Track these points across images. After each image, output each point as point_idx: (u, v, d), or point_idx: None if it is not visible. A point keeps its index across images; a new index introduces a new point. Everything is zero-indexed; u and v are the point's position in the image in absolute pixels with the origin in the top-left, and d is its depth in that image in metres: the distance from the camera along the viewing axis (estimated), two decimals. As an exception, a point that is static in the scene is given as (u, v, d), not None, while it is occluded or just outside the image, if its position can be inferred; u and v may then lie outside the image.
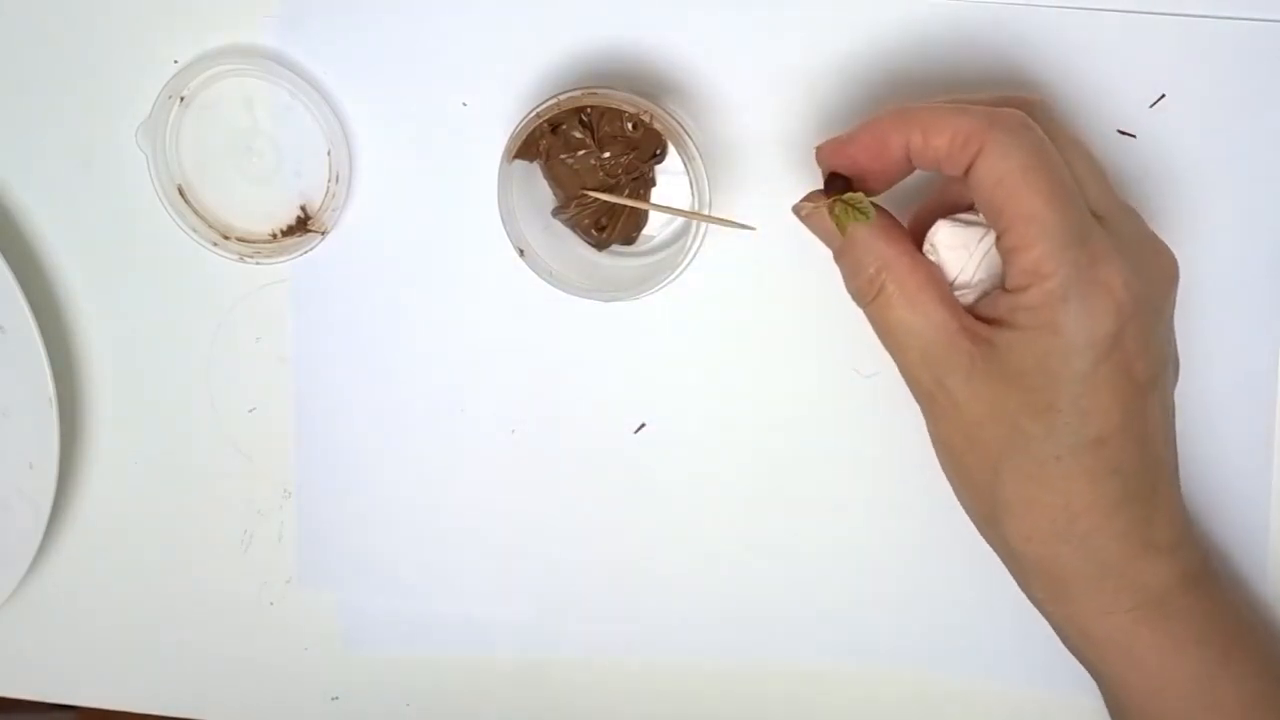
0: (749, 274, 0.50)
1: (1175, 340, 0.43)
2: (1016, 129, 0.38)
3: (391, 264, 0.52)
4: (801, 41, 0.48)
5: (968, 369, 0.40)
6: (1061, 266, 0.37)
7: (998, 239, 0.39)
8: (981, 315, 0.41)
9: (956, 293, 0.41)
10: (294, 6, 0.50)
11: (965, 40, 0.47)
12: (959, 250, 0.41)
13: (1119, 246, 0.39)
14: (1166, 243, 0.42)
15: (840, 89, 0.48)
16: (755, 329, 0.51)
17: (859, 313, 0.50)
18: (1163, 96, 0.47)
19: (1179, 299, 0.44)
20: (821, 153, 0.43)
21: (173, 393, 0.54)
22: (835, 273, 0.50)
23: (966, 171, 0.39)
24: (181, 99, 0.49)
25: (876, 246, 0.41)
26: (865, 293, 0.42)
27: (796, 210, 0.44)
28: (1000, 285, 0.40)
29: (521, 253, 0.47)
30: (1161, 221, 0.48)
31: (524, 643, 0.54)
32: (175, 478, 0.55)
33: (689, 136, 0.45)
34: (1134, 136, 0.47)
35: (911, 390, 0.42)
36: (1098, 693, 0.46)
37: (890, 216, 0.43)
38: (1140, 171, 0.48)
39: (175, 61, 0.50)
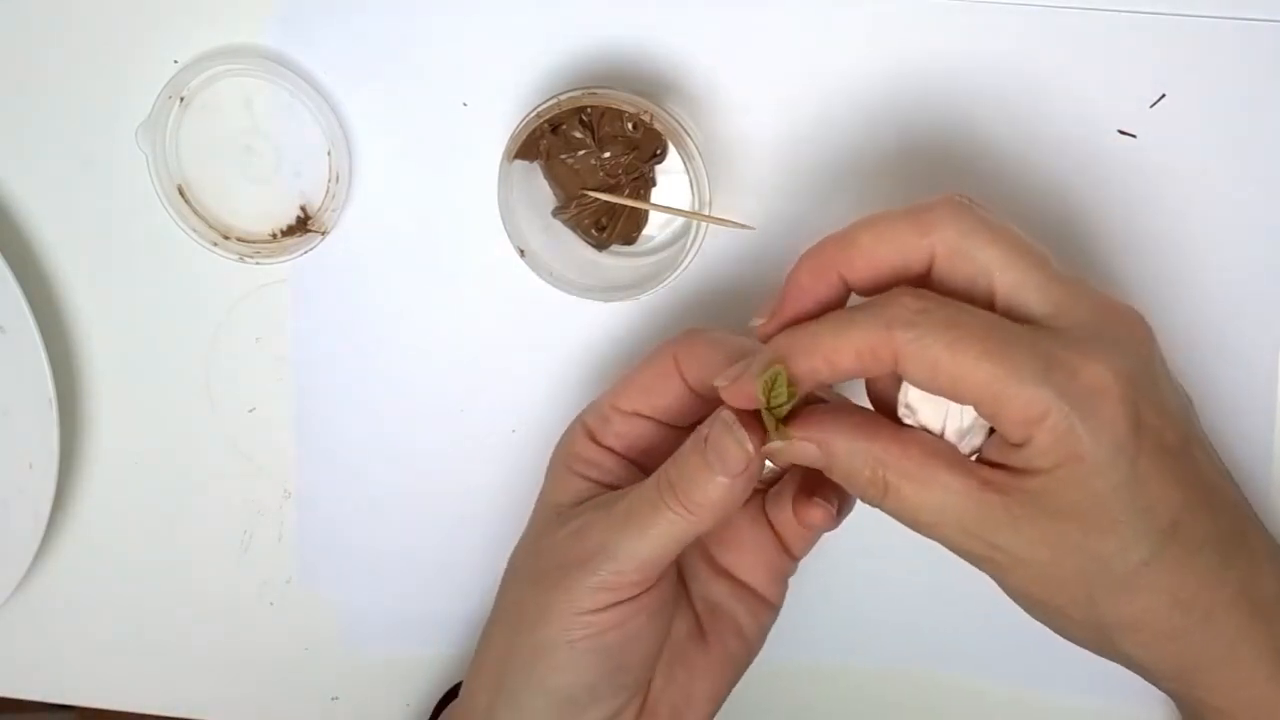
0: (749, 274, 0.50)
1: (1175, 378, 0.41)
2: (915, 316, 0.36)
3: (391, 264, 0.52)
4: (801, 41, 0.48)
5: (1012, 522, 0.37)
6: (1047, 402, 0.35)
7: (975, 408, 0.37)
8: (994, 461, 0.38)
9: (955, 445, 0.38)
10: (294, 6, 0.50)
11: (965, 40, 0.47)
12: (936, 403, 0.38)
13: (1084, 339, 0.36)
14: (1129, 302, 0.39)
15: (840, 89, 0.48)
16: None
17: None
18: (1163, 96, 0.47)
19: (1179, 296, 0.44)
20: (732, 398, 0.40)
21: (173, 393, 0.54)
22: (835, 273, 0.50)
23: (895, 368, 0.37)
24: (181, 99, 0.49)
25: (858, 447, 0.38)
26: (873, 495, 0.39)
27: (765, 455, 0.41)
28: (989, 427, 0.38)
29: (521, 253, 0.47)
30: (1161, 221, 0.48)
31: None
32: (175, 478, 0.55)
33: (689, 136, 0.45)
34: (1134, 136, 0.47)
35: (967, 561, 0.39)
36: (1100, 694, 0.46)
37: (849, 404, 0.41)
38: (1140, 171, 0.48)
39: (175, 61, 0.50)
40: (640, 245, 0.49)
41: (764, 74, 0.48)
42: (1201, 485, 0.38)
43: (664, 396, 0.43)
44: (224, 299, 0.53)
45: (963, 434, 0.38)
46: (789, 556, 0.44)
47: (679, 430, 0.43)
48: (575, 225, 0.48)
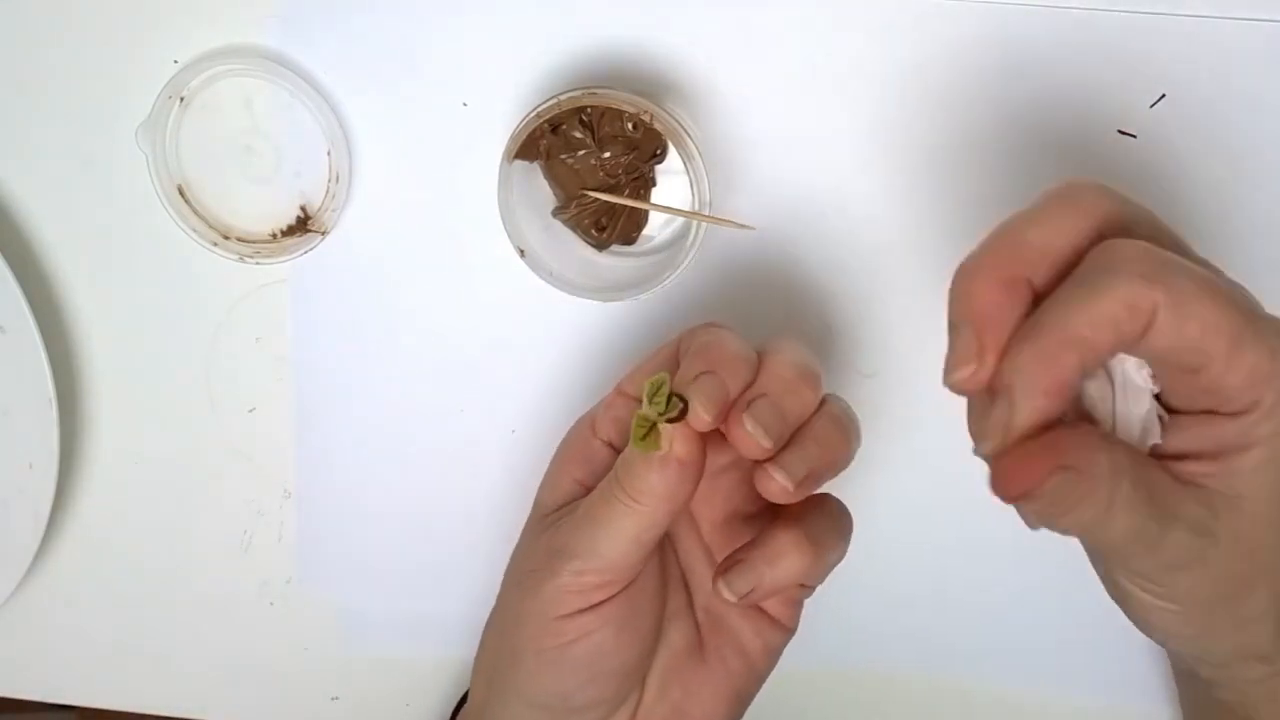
0: (749, 274, 0.50)
1: None
2: (1159, 265, 0.32)
3: (392, 264, 0.52)
4: (802, 41, 0.48)
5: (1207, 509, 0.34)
6: (1274, 359, 0.32)
7: (1192, 377, 0.33)
8: (1187, 452, 0.34)
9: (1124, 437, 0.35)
10: (294, 6, 0.50)
11: (966, 40, 0.47)
12: (1105, 396, 0.35)
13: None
14: None
15: (840, 89, 0.48)
16: (755, 329, 0.51)
17: (858, 313, 0.51)
18: (1163, 96, 0.47)
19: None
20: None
21: (173, 393, 0.54)
22: (834, 273, 0.51)
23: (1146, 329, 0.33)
24: (181, 99, 0.49)
25: (1103, 460, 0.33)
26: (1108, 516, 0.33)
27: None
28: (1162, 410, 0.35)
29: (521, 253, 0.47)
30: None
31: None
32: (175, 478, 0.55)
33: (689, 136, 0.45)
34: (1134, 136, 0.47)
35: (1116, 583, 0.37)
36: (1101, 694, 0.46)
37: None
38: (1140, 171, 0.48)
39: (175, 61, 0.50)
40: (640, 245, 0.49)
41: (764, 74, 0.48)
42: None
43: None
44: (224, 299, 0.53)
45: (1145, 426, 0.35)
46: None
47: None
48: (575, 225, 0.48)
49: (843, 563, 0.51)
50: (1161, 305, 0.32)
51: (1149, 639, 0.40)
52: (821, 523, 0.41)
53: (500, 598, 0.45)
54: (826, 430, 0.40)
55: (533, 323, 0.51)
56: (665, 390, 0.38)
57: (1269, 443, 0.33)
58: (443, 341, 0.52)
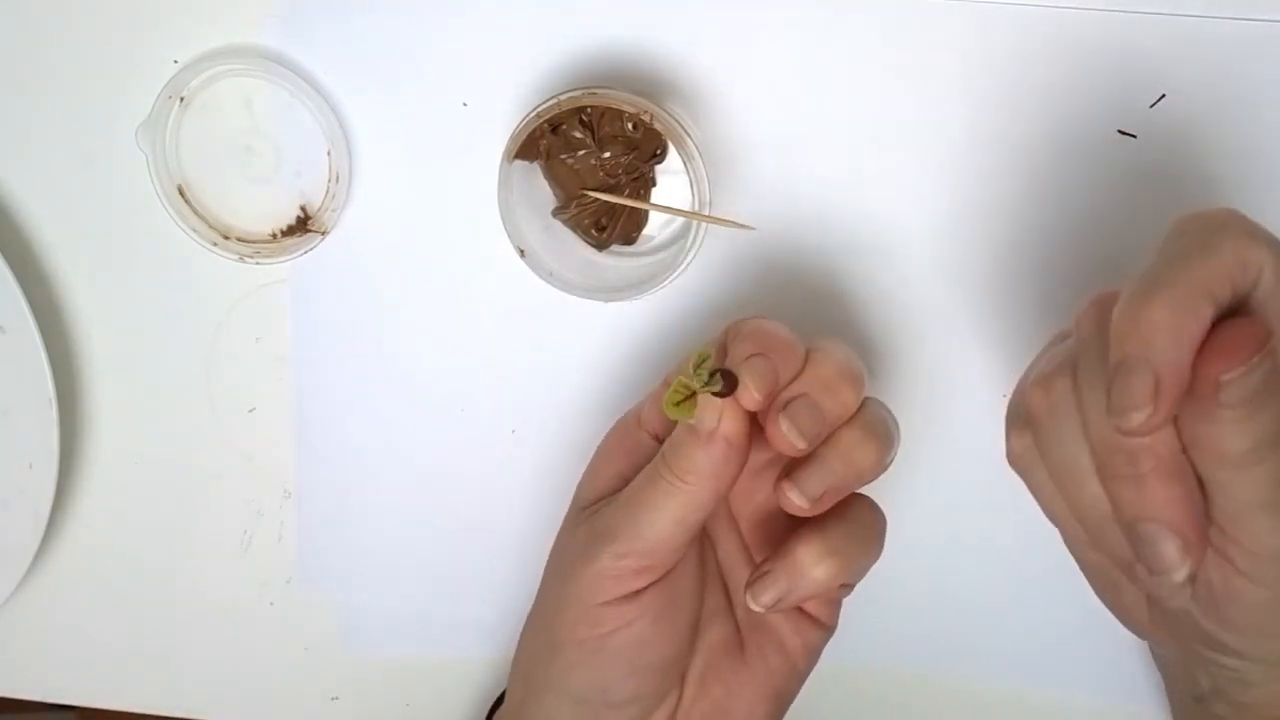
0: (749, 274, 0.50)
1: None
2: (1250, 223, 0.33)
3: (391, 264, 0.52)
4: (801, 41, 0.48)
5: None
6: None
7: None
8: None
9: None
10: (294, 6, 0.50)
11: (966, 40, 0.47)
12: None
13: None
14: None
15: (840, 89, 0.48)
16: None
17: (858, 312, 0.51)
18: (1163, 96, 0.47)
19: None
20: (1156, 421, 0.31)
21: (173, 393, 0.54)
22: (834, 273, 0.51)
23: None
24: (181, 99, 0.49)
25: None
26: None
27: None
28: None
29: (521, 253, 0.47)
30: (1161, 221, 0.48)
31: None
32: (175, 478, 0.55)
33: (689, 136, 0.45)
34: (1134, 136, 0.47)
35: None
36: (1096, 691, 0.46)
37: None
38: (1140, 171, 0.48)
39: (175, 61, 0.50)
40: (640, 245, 0.49)
41: (764, 74, 0.48)
42: None
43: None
44: (224, 299, 0.53)
45: None
46: None
47: None
48: (575, 225, 0.48)
49: (843, 563, 0.51)
50: (1267, 262, 0.32)
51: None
52: (847, 530, 0.41)
53: (540, 592, 0.45)
54: (855, 441, 0.40)
55: (533, 323, 0.51)
56: (710, 363, 0.38)
57: None
58: (443, 341, 0.52)
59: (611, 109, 0.45)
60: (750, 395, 0.38)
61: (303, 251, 0.50)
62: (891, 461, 0.41)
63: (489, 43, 0.49)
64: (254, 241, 0.51)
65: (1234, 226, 0.33)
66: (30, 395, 0.51)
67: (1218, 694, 0.40)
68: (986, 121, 0.48)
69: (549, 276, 0.47)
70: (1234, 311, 0.33)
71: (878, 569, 0.52)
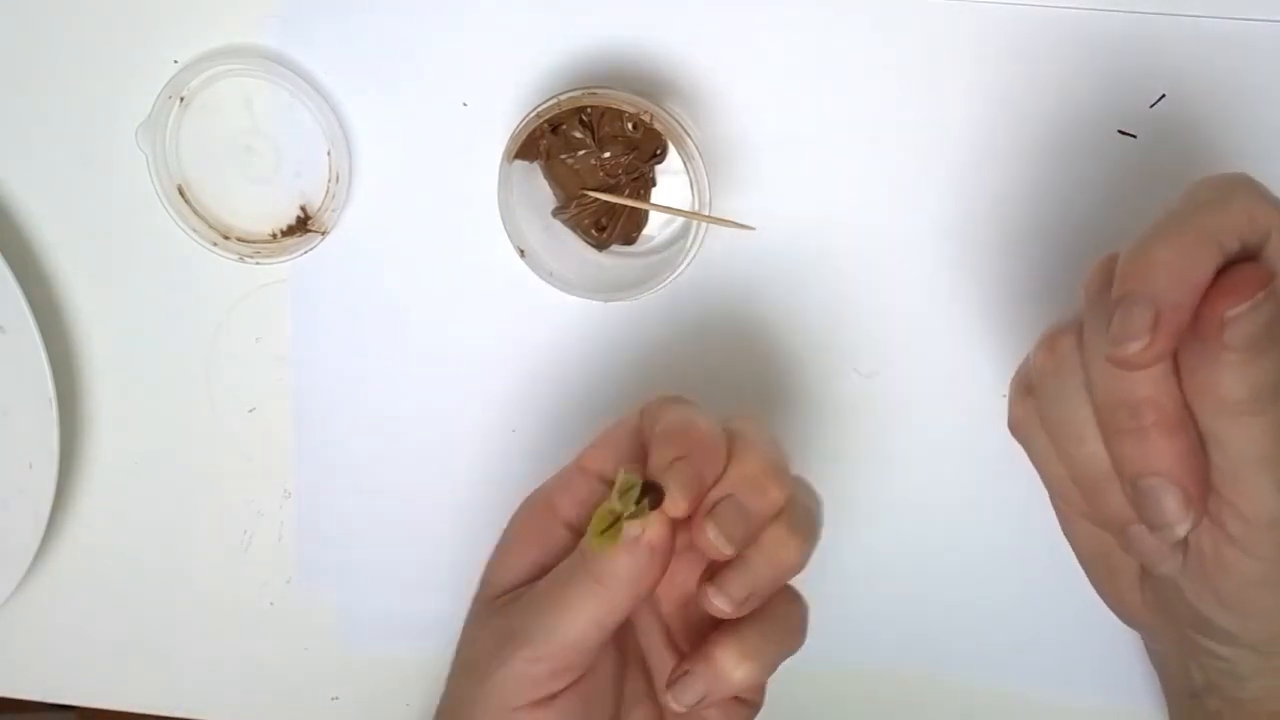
0: (749, 274, 0.50)
1: None
2: (1256, 182, 0.33)
3: (391, 264, 0.52)
4: (801, 41, 0.48)
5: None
6: None
7: None
8: None
9: None
10: (294, 6, 0.50)
11: (965, 40, 0.47)
12: None
13: None
14: None
15: (840, 89, 0.48)
16: (755, 329, 0.51)
17: (858, 313, 0.51)
18: (1163, 96, 0.47)
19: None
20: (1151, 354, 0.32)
21: (173, 393, 0.54)
22: (834, 273, 0.51)
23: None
24: (181, 99, 0.49)
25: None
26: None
27: None
28: None
29: (522, 253, 0.47)
30: (1161, 221, 0.48)
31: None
32: (175, 478, 0.55)
33: (689, 136, 0.45)
34: (1134, 136, 0.47)
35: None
36: (1096, 692, 0.46)
37: None
38: (1140, 171, 0.48)
39: (175, 61, 0.50)
40: (640, 245, 0.49)
41: (764, 74, 0.48)
42: None
43: (624, 453, 0.41)
44: (224, 299, 0.53)
45: None
46: None
47: None
48: (575, 225, 0.48)
49: (842, 561, 0.51)
50: (1275, 224, 0.32)
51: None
52: (766, 629, 0.40)
53: (448, 685, 0.43)
54: (779, 541, 0.39)
55: (533, 323, 0.51)
56: (636, 492, 0.38)
57: None
58: (443, 341, 0.52)
59: (611, 109, 0.45)
60: (677, 506, 0.37)
61: (303, 251, 0.50)
62: (809, 556, 0.40)
63: (489, 43, 0.49)
64: (254, 241, 0.51)
65: (1247, 187, 0.33)
66: (30, 395, 0.51)
67: (1211, 689, 0.40)
68: (986, 121, 0.48)
69: (549, 276, 0.47)
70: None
71: (877, 568, 0.52)
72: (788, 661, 0.53)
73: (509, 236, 0.47)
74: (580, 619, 0.38)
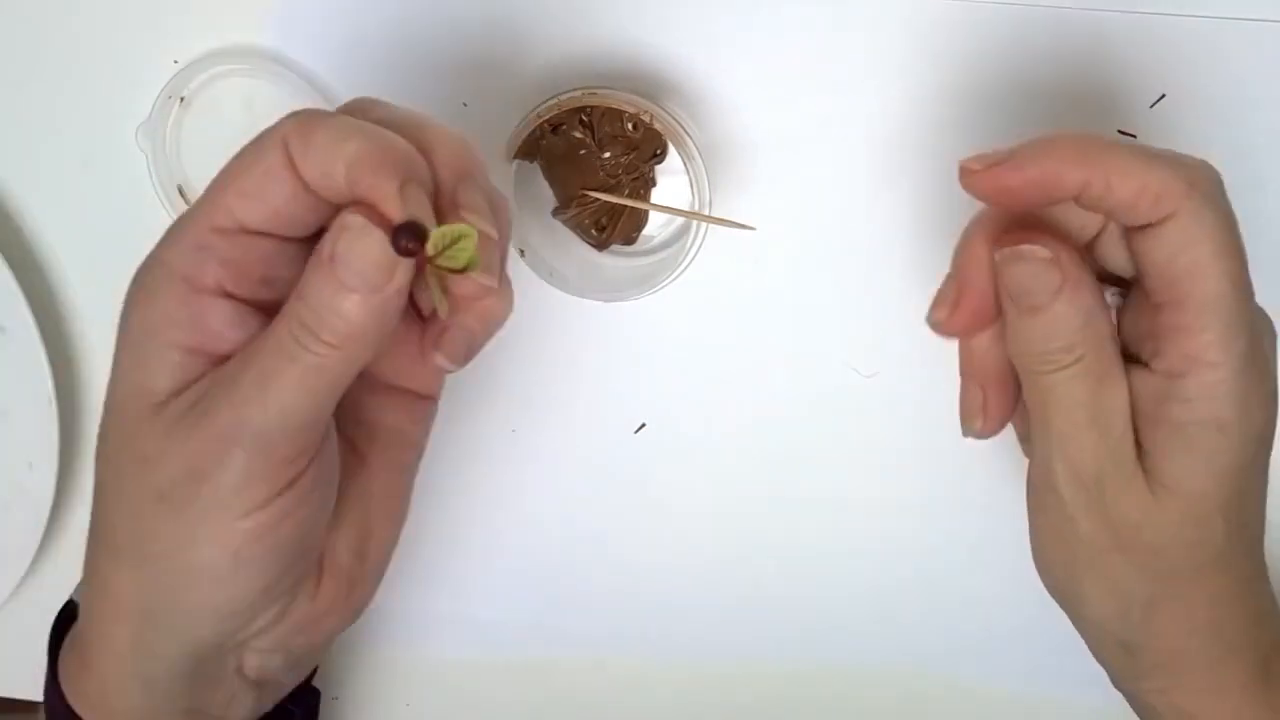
0: (749, 274, 0.50)
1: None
2: (1215, 199, 0.35)
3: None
4: (801, 42, 0.48)
5: (1129, 479, 0.36)
6: (1230, 358, 0.34)
7: (1156, 311, 0.35)
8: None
9: None
10: (294, 6, 0.49)
11: (965, 40, 0.47)
12: None
13: (1268, 335, 0.36)
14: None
15: (840, 89, 0.48)
16: (755, 329, 0.51)
17: (858, 313, 0.51)
18: (1163, 96, 0.47)
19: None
20: (978, 179, 0.36)
21: (173, 393, 0.54)
22: (834, 274, 0.51)
23: (1140, 228, 0.35)
24: (181, 99, 0.49)
25: (1085, 303, 0.35)
26: (1056, 359, 0.36)
27: None
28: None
29: (521, 253, 0.47)
30: (1161, 221, 0.48)
31: (524, 642, 0.54)
32: (175, 478, 0.55)
33: (689, 136, 0.45)
34: (1134, 136, 0.47)
35: (1051, 484, 0.37)
36: (1096, 691, 0.46)
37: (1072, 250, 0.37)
38: (1140, 171, 0.47)
39: (175, 61, 0.50)
40: (640, 245, 0.49)
41: (764, 74, 0.48)
42: (1259, 513, 0.38)
43: (275, 200, 0.34)
44: (224, 299, 0.53)
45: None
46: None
47: (302, 245, 0.35)
48: (575, 225, 0.48)
49: (842, 562, 0.52)
50: (1184, 213, 0.35)
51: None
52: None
53: (113, 518, 0.36)
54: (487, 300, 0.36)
55: (533, 323, 0.51)
56: (471, 243, 0.32)
57: (1185, 422, 0.35)
58: (443, 341, 0.52)
59: (611, 109, 0.45)
60: (488, 286, 0.34)
61: (303, 251, 0.50)
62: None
63: (489, 43, 0.49)
64: (254, 241, 0.51)
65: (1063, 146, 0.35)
66: (30, 395, 0.51)
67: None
68: (987, 121, 0.48)
69: (549, 276, 0.47)
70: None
71: (877, 567, 0.52)
72: (788, 660, 0.53)
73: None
74: (314, 394, 0.33)
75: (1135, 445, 0.36)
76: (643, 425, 0.52)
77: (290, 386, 0.33)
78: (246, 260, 0.35)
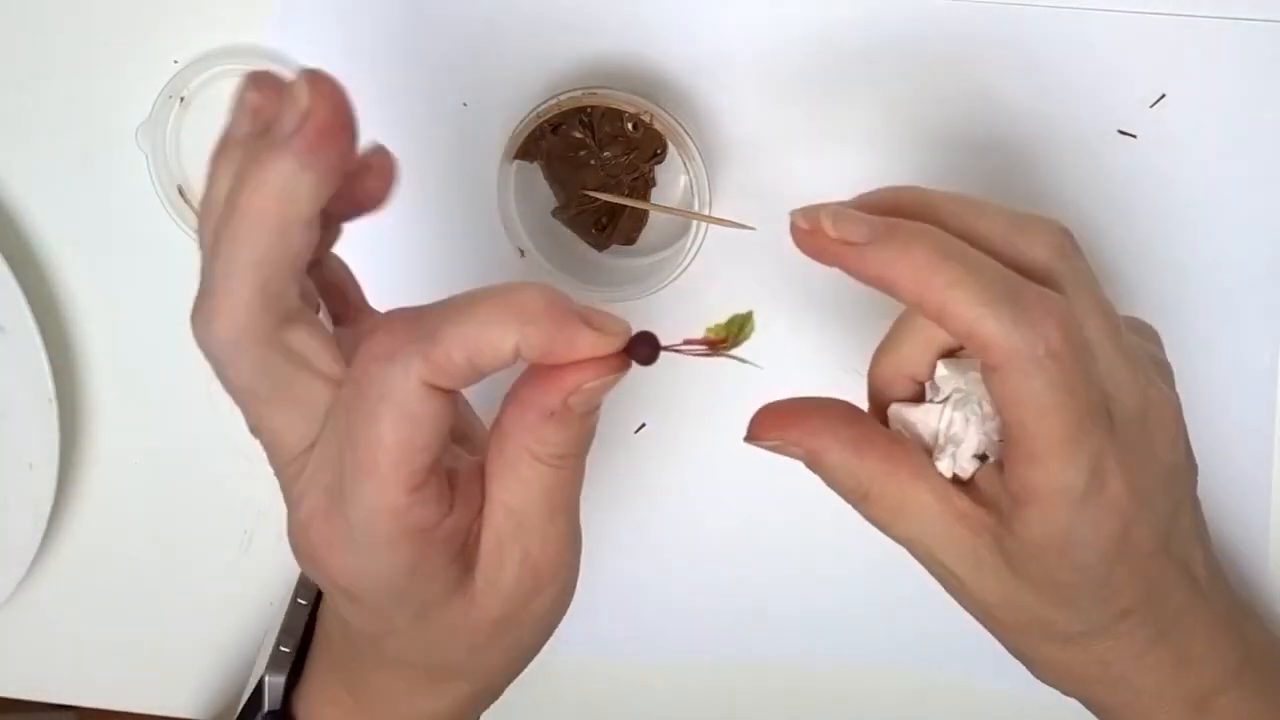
0: (749, 274, 0.50)
1: (1190, 450, 0.40)
2: (1045, 356, 0.33)
3: (391, 264, 0.52)
4: (802, 42, 0.48)
5: (975, 561, 0.37)
6: (1065, 489, 0.34)
7: (1001, 431, 0.36)
8: (980, 496, 0.37)
9: (941, 457, 0.37)
10: (294, 6, 0.50)
11: (966, 40, 0.47)
12: (930, 417, 0.38)
13: (1125, 443, 0.35)
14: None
15: (840, 89, 0.48)
16: (755, 329, 0.51)
17: (858, 313, 0.51)
18: (1163, 96, 0.47)
19: (1178, 295, 0.44)
20: (806, 241, 0.37)
21: (173, 393, 0.54)
22: (834, 274, 0.50)
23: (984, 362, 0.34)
24: (181, 99, 0.49)
25: (849, 464, 0.37)
26: (852, 500, 0.38)
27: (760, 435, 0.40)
28: (987, 450, 0.37)
29: (521, 253, 0.47)
30: (1161, 222, 0.48)
31: (524, 643, 0.54)
32: (175, 478, 0.55)
33: (689, 136, 0.45)
34: (1134, 136, 0.47)
35: (925, 568, 0.39)
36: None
37: (836, 403, 0.39)
38: (1140, 171, 0.48)
39: (175, 61, 0.50)
40: (640, 245, 0.49)
41: (764, 74, 0.48)
42: (1167, 579, 0.38)
43: (441, 429, 0.33)
44: (224, 299, 0.53)
45: (956, 450, 0.37)
46: None
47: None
48: (575, 225, 0.48)
49: (842, 562, 0.51)
50: (1009, 370, 0.33)
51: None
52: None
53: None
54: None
55: (533, 323, 0.51)
56: (752, 325, 0.36)
57: (1028, 537, 0.35)
58: (443, 341, 0.52)
59: (611, 109, 0.45)
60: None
61: (303, 251, 0.50)
62: None
63: (489, 43, 0.49)
64: (254, 241, 0.51)
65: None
66: (30, 395, 0.51)
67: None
68: (987, 121, 0.48)
69: (549, 276, 0.47)
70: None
71: (877, 566, 0.52)
72: (788, 660, 0.53)
73: (509, 236, 0.47)
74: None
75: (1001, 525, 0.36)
76: (642, 425, 0.52)
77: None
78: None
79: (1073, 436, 0.33)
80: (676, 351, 0.35)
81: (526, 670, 0.55)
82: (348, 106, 0.32)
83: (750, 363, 0.44)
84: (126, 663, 0.57)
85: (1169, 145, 0.47)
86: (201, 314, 0.33)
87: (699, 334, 0.40)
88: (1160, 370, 0.38)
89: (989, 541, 0.36)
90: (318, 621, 0.44)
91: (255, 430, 0.36)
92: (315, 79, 0.31)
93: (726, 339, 0.36)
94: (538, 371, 0.34)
